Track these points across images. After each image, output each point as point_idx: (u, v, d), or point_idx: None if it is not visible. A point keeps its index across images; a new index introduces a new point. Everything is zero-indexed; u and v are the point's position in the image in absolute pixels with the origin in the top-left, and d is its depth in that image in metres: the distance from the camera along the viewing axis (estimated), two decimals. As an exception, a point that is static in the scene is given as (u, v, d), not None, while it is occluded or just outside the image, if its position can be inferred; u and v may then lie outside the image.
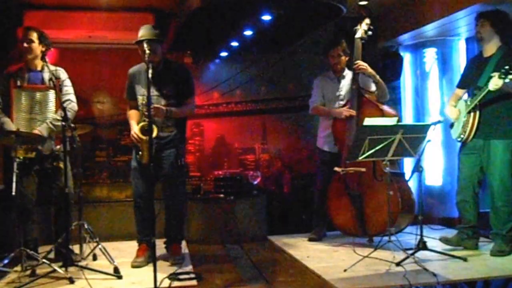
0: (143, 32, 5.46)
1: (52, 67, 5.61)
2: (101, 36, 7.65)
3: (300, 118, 8.99)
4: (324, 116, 6.63)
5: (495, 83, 5.21)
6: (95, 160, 8.83)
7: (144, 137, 5.30)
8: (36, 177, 5.62)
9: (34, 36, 5.60)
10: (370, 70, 6.19)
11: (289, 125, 9.65)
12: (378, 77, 6.23)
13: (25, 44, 5.58)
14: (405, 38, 7.61)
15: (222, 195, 7.65)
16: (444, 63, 7.52)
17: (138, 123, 5.54)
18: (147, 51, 5.05)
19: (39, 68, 5.64)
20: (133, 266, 5.49)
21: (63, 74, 5.76)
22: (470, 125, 5.58)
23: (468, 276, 4.86)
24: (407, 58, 7.92)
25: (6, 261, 5.04)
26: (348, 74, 6.59)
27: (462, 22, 6.71)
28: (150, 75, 4.97)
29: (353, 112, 6.18)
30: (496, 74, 5.20)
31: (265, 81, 9.74)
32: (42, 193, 5.69)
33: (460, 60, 7.42)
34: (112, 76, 7.72)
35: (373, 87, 6.37)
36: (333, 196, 6.42)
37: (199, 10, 6.48)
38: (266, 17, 7.10)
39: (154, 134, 5.32)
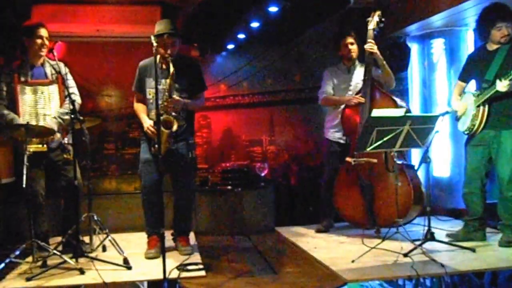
0: (163, 26, 5.46)
1: (52, 62, 5.63)
2: (109, 30, 7.66)
3: (307, 110, 9.01)
4: (333, 106, 6.64)
5: (503, 85, 5.23)
6: (104, 152, 8.86)
7: (166, 131, 5.30)
8: (45, 170, 5.66)
9: (47, 33, 5.64)
10: (378, 53, 6.19)
11: (296, 117, 9.67)
12: (384, 62, 6.23)
13: (43, 42, 5.59)
14: (413, 28, 7.59)
15: (229, 187, 7.66)
16: (452, 53, 7.48)
17: (148, 116, 5.57)
18: (170, 44, 5.11)
19: (40, 63, 5.67)
20: (147, 258, 5.51)
21: (63, 68, 5.79)
22: (479, 118, 5.55)
23: (476, 267, 4.87)
24: (414, 49, 7.89)
25: (17, 253, 5.05)
26: (358, 66, 6.61)
27: (470, 12, 6.67)
28: (171, 69, 5.22)
29: (362, 99, 6.19)
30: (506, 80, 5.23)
31: (272, 73, 9.74)
32: (52, 185, 5.72)
33: (468, 50, 7.34)
34: (120, 69, 7.76)
35: (378, 72, 6.41)
36: (340, 188, 6.41)
37: (206, 3, 6.49)
38: (273, 9, 7.11)
39: (175, 128, 5.36)
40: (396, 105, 6.01)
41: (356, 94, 6.39)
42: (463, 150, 5.96)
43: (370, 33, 6.22)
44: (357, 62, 6.60)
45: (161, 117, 5.24)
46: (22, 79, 5.57)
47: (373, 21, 6.21)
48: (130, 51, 7.65)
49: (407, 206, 5.80)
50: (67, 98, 5.43)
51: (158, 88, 5.22)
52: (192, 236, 6.19)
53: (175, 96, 5.43)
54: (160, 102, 5.28)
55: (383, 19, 6.21)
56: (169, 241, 5.66)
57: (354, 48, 6.51)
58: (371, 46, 6.16)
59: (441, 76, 7.54)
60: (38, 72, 5.65)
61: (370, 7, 6.32)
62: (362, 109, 6.20)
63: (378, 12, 6.22)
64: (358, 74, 6.53)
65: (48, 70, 5.67)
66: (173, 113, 5.41)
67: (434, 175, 7.37)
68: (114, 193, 7.94)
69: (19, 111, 5.51)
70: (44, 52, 5.63)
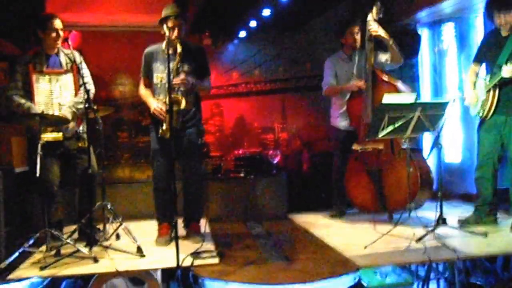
0: (170, 9, 5.52)
1: (67, 51, 5.68)
2: (122, 19, 7.67)
3: (319, 97, 8.98)
4: (337, 95, 6.66)
5: (508, 69, 5.24)
6: (117, 141, 8.90)
7: (174, 108, 5.29)
8: (60, 160, 5.69)
9: (61, 24, 5.69)
10: (381, 32, 6.18)
11: (307, 104, 9.69)
12: (391, 41, 6.21)
13: (58, 33, 5.62)
14: (423, 15, 7.56)
15: (242, 174, 7.70)
16: (462, 39, 7.46)
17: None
18: (176, 27, 5.23)
19: (55, 52, 5.69)
20: (158, 245, 5.56)
21: (78, 57, 5.81)
22: (489, 103, 5.56)
23: (488, 252, 4.88)
24: (425, 35, 7.88)
25: (31, 242, 5.08)
26: (358, 53, 6.62)
27: (480, -1, 6.68)
28: (179, 49, 5.30)
29: (362, 83, 6.23)
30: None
31: (283, 61, 9.76)
32: (66, 174, 5.77)
33: (478, 36, 7.32)
34: (133, 58, 7.74)
35: (384, 59, 6.40)
36: (351, 176, 6.46)
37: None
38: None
39: (183, 105, 5.40)
40: (398, 91, 6.02)
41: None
42: (474, 135, 5.97)
43: (370, 23, 6.22)
44: (357, 50, 6.61)
45: (172, 95, 5.29)
46: (38, 68, 5.60)
47: (372, 13, 6.19)
48: (143, 40, 7.64)
49: (414, 190, 5.81)
50: (82, 87, 5.48)
51: (167, 72, 5.30)
52: (205, 223, 6.22)
53: (182, 75, 5.48)
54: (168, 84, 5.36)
55: (382, 9, 6.18)
56: (181, 228, 5.69)
57: (359, 37, 6.53)
58: (375, 29, 6.16)
59: (452, 62, 7.54)
60: (53, 61, 5.67)
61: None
62: (365, 97, 6.22)
63: (378, 3, 6.20)
64: (360, 60, 6.56)
65: (63, 59, 5.69)
66: (181, 89, 5.47)
67: (446, 160, 7.37)
68: (127, 182, 7.97)
69: (34, 100, 5.54)
70: (59, 43, 5.68)
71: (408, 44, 7.66)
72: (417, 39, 7.79)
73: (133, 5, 7.58)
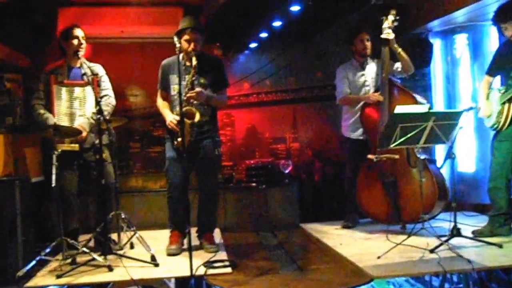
0: (187, 21, 5.56)
1: (90, 64, 5.77)
2: (133, 31, 7.72)
3: (330, 107, 9.00)
4: (350, 104, 6.67)
5: None
6: (130, 151, 8.94)
7: (188, 121, 5.33)
8: (78, 170, 5.76)
9: (83, 32, 5.77)
10: (394, 43, 6.20)
11: (319, 114, 9.68)
12: (399, 49, 6.23)
13: (79, 41, 5.73)
14: (435, 24, 7.56)
15: (254, 184, 7.71)
16: (475, 49, 7.44)
17: (172, 113, 5.62)
18: (192, 40, 5.35)
19: (78, 65, 5.73)
20: (168, 254, 5.58)
21: (100, 70, 5.93)
22: (504, 115, 5.55)
23: (503, 263, 4.84)
24: (437, 44, 7.85)
25: (48, 250, 5.18)
26: (370, 61, 6.65)
27: (493, 7, 6.60)
28: (194, 62, 5.30)
29: (380, 98, 6.22)
30: None
31: (294, 71, 9.77)
32: (84, 184, 5.83)
33: (491, 45, 7.29)
34: (144, 70, 7.81)
35: (395, 66, 6.43)
36: (363, 186, 6.44)
37: (228, 3, 6.53)
38: (295, 8, 7.15)
39: (197, 118, 5.41)
40: (416, 102, 6.01)
41: (375, 91, 6.41)
42: (488, 145, 5.96)
43: (385, 30, 6.22)
44: (369, 58, 6.64)
45: (184, 108, 5.29)
46: (59, 79, 5.69)
47: (387, 20, 6.20)
48: (154, 52, 7.71)
49: (432, 201, 5.80)
50: (102, 99, 5.54)
51: (182, 84, 5.31)
52: (217, 232, 6.24)
53: (198, 88, 5.49)
54: (183, 95, 5.37)
55: (397, 18, 6.20)
56: (194, 238, 5.70)
57: (369, 44, 6.56)
58: (388, 33, 6.16)
59: (465, 72, 7.50)
60: (75, 73, 5.75)
61: (389, 4, 6.31)
62: (381, 107, 6.22)
63: (392, 11, 6.21)
64: (373, 68, 6.60)
65: (85, 71, 5.74)
66: (195, 102, 5.48)
67: (459, 170, 7.33)
68: (140, 191, 8.01)
69: (54, 111, 5.63)
70: (82, 51, 5.76)
71: (420, 54, 7.65)
72: (429, 48, 7.77)
73: (143, 17, 7.62)
